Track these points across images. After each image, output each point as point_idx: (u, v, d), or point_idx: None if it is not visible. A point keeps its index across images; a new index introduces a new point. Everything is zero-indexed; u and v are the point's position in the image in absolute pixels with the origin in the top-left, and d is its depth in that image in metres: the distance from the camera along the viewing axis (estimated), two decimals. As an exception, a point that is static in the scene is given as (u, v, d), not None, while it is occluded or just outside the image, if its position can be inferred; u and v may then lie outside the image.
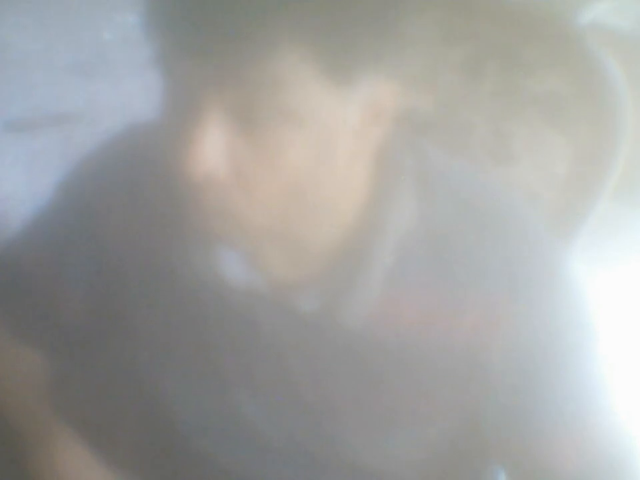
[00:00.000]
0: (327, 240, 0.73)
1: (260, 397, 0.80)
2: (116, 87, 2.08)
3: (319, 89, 0.61)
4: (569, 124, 0.92)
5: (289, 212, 0.67)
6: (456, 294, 0.72)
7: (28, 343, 0.89)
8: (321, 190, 0.67)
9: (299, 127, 0.62)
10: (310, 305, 0.74)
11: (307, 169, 0.64)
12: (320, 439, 0.81)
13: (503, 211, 0.76)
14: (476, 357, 0.73)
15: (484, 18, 0.94)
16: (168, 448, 0.90)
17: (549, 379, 0.74)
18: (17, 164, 1.93)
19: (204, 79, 0.61)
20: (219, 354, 0.79)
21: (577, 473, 0.77)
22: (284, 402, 0.80)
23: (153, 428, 0.92)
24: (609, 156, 0.91)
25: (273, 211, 0.66)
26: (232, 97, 0.61)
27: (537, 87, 0.92)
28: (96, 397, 0.93)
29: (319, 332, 0.75)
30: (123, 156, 0.82)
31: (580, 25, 0.97)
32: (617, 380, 0.79)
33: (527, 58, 0.93)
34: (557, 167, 0.93)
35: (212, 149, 0.62)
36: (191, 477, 0.89)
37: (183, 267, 0.77)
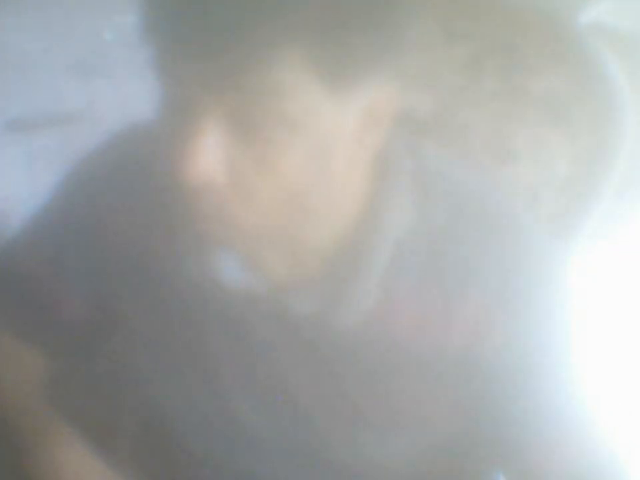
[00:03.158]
0: (324, 243, 0.73)
1: (257, 398, 0.80)
2: (116, 87, 2.08)
3: (317, 95, 0.61)
4: (569, 124, 0.92)
5: (286, 216, 0.67)
6: (452, 296, 0.72)
7: (28, 342, 0.89)
8: (319, 195, 0.67)
9: (297, 133, 0.62)
10: (307, 308, 0.74)
11: (305, 174, 0.64)
12: (316, 440, 0.81)
13: (499, 212, 0.76)
14: (472, 358, 0.73)
15: (484, 18, 0.94)
16: (167, 448, 0.90)
17: (545, 381, 0.74)
18: (17, 164, 1.93)
19: (202, 84, 0.61)
20: (217, 356, 0.79)
21: (575, 474, 0.77)
22: (281, 404, 0.80)
23: (151, 428, 0.92)
24: (609, 156, 0.91)
25: (270, 215, 0.66)
26: (230, 102, 0.61)
27: (537, 87, 0.92)
28: (95, 397, 0.93)
29: (315, 334, 0.75)
30: (122, 156, 0.82)
31: (580, 24, 0.97)
32: (614, 381, 0.79)
33: (527, 58, 0.93)
34: (557, 166, 0.93)
35: (210, 154, 0.62)
36: (189, 477, 0.89)
37: (180, 269, 0.77)
